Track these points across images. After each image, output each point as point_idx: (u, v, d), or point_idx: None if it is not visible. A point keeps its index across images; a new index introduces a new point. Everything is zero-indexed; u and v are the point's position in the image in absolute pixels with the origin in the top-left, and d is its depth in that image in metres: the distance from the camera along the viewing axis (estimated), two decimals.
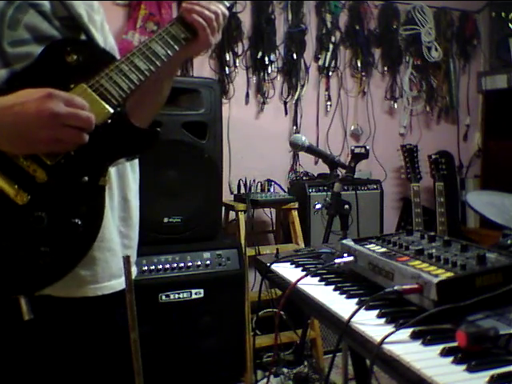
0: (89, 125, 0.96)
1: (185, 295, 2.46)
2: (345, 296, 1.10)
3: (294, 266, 1.39)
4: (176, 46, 1.13)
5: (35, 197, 0.98)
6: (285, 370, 2.79)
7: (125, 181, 1.22)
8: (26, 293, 0.99)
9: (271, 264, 1.40)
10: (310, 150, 2.04)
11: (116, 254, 1.17)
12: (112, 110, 1.03)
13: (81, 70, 1.03)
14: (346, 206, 1.88)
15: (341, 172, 2.02)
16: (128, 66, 1.06)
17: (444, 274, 0.94)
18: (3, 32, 1.00)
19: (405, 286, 0.94)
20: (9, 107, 0.92)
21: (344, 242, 1.27)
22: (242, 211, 2.84)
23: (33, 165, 0.98)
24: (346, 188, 2.58)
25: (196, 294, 2.48)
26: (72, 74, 1.02)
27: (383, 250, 1.16)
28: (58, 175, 1.00)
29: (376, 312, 0.97)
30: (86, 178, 1.02)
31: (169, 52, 1.12)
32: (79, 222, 1.01)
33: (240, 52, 3.28)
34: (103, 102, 1.02)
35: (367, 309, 0.98)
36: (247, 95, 3.35)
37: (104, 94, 1.03)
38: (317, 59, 3.54)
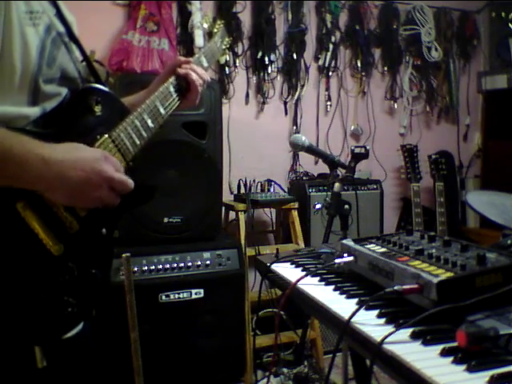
0: (129, 191, 1.02)
1: (185, 295, 2.46)
2: (345, 296, 1.10)
3: (294, 265, 1.39)
4: (171, 106, 1.25)
5: (68, 248, 0.99)
6: (285, 370, 2.79)
7: None
8: (46, 342, 0.98)
9: (271, 264, 1.40)
10: (309, 149, 2.04)
11: None
12: (127, 165, 1.10)
13: (104, 121, 1.08)
14: (346, 206, 1.88)
15: (341, 172, 2.02)
16: (140, 122, 1.14)
17: (444, 274, 0.94)
18: (42, 69, 1.00)
19: (405, 286, 0.94)
20: (62, 161, 0.92)
21: (344, 241, 1.27)
22: (242, 211, 2.84)
23: (70, 216, 1.00)
24: (345, 188, 2.58)
25: (196, 293, 2.48)
26: (97, 123, 1.07)
27: (383, 250, 1.16)
28: (86, 226, 1.03)
29: (376, 312, 0.97)
30: (104, 230, 1.08)
31: (167, 111, 1.23)
32: (97, 273, 1.04)
33: (240, 52, 3.28)
34: (121, 156, 1.09)
35: (367, 309, 0.98)
36: (247, 95, 3.35)
37: (123, 148, 1.09)
38: (317, 59, 3.54)
